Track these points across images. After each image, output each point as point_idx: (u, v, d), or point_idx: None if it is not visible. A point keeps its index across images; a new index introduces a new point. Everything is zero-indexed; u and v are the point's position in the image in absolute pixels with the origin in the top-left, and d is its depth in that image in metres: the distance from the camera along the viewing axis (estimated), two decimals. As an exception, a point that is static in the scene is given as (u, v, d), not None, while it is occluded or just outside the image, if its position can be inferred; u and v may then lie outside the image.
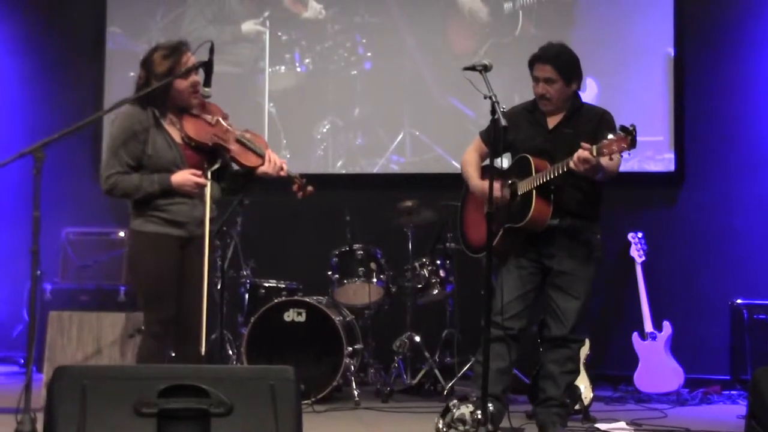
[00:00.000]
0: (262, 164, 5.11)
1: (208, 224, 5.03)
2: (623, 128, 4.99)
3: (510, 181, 5.46)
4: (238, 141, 5.12)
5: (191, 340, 5.07)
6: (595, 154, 5.03)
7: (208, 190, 5.00)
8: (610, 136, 5.01)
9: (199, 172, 5.01)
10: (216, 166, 5.10)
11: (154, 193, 4.98)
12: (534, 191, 5.32)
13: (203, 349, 4.94)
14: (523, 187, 5.38)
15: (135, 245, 5.14)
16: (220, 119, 5.14)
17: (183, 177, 4.98)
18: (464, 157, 5.80)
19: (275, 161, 5.12)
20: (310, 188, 5.21)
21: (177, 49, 5.03)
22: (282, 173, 5.14)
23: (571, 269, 5.44)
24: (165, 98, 5.03)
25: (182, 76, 4.98)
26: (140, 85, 5.06)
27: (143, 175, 4.99)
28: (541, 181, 5.29)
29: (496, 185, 5.21)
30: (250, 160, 5.11)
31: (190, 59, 5.04)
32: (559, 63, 5.43)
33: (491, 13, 8.61)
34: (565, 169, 5.17)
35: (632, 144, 4.95)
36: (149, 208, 5.01)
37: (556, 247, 5.45)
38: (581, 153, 5.07)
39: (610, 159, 5.10)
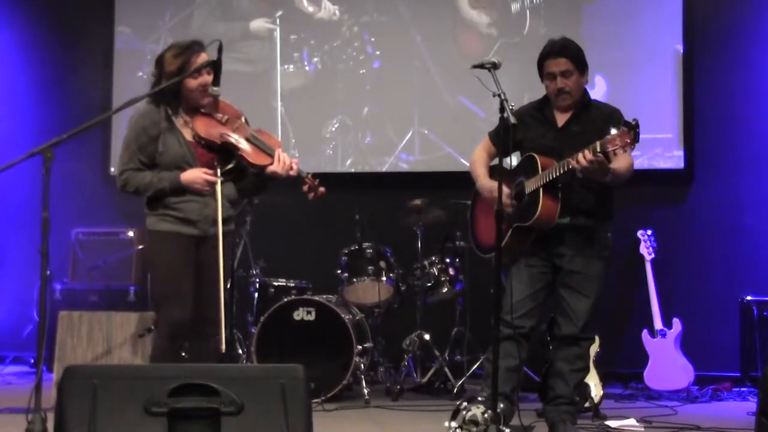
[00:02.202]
0: (272, 164, 5.11)
1: (222, 224, 5.03)
2: (626, 123, 4.96)
3: (517, 181, 5.46)
4: (248, 140, 5.12)
5: (207, 339, 5.09)
6: (599, 150, 5.01)
7: (218, 188, 5.00)
8: (613, 131, 4.97)
9: (211, 171, 5.02)
10: (230, 166, 5.11)
11: (164, 191, 5.01)
12: (541, 190, 5.30)
13: (223, 347, 4.94)
14: (530, 185, 5.37)
15: (149, 244, 5.19)
16: (232, 118, 5.15)
17: (193, 174, 5.00)
18: (473, 157, 5.79)
19: (285, 161, 5.10)
20: (321, 189, 5.19)
21: (188, 49, 5.04)
22: (292, 173, 5.13)
23: (581, 268, 5.43)
24: (176, 97, 5.05)
25: (191, 76, 4.99)
26: (153, 83, 5.09)
27: (155, 172, 5.01)
28: (548, 179, 5.27)
29: (506, 192, 5.20)
30: (259, 158, 5.10)
31: (203, 59, 5.04)
32: (572, 53, 5.42)
33: (499, 13, 8.60)
34: (569, 168, 5.16)
35: (635, 138, 4.93)
36: (161, 207, 5.04)
37: (567, 246, 5.43)
38: (582, 157, 5.06)
39: (614, 154, 5.07)
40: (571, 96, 5.45)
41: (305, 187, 5.18)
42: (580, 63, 5.44)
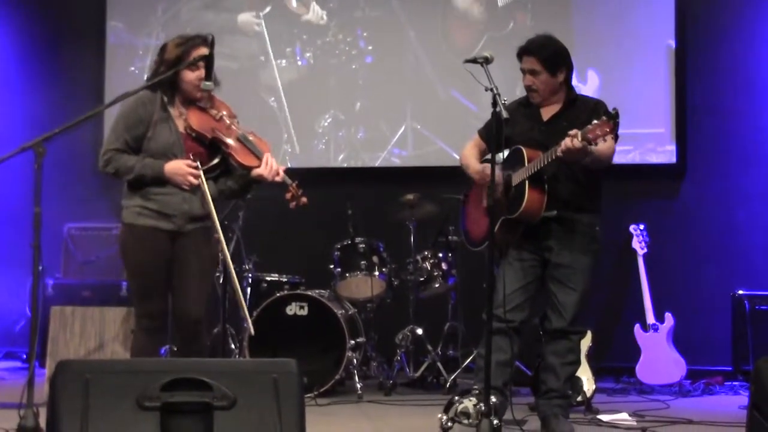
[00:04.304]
0: (259, 166, 5.10)
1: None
2: (606, 112, 5.05)
3: (505, 174, 5.47)
4: (239, 139, 5.12)
5: (193, 334, 5.10)
6: (580, 139, 5.05)
7: (203, 181, 4.99)
8: (595, 121, 5.03)
9: (195, 163, 5.00)
10: (215, 161, 5.10)
11: (145, 177, 4.98)
12: (527, 182, 5.33)
13: (252, 329, 4.93)
14: (516, 178, 5.40)
15: (123, 238, 5.16)
16: (225, 116, 5.15)
17: (176, 165, 4.98)
18: (463, 152, 5.83)
19: (272, 165, 5.10)
20: (304, 200, 5.18)
21: (190, 40, 5.05)
22: (278, 179, 5.12)
23: (568, 261, 5.45)
24: (172, 85, 5.05)
25: (188, 67, 4.99)
26: (153, 69, 5.10)
27: (140, 157, 5.00)
28: (533, 171, 5.30)
29: (498, 172, 5.23)
30: (246, 159, 5.10)
31: (202, 53, 5.03)
32: (543, 54, 5.45)
33: (487, 6, 8.60)
34: (554, 157, 5.19)
35: (615, 127, 5.02)
36: (140, 197, 5.02)
37: (554, 239, 5.46)
38: (567, 142, 5.08)
39: (595, 143, 5.10)
40: (538, 94, 5.51)
41: (288, 195, 5.18)
42: (550, 63, 5.46)
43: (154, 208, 5.01)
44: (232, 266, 5.06)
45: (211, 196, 5.05)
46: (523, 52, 5.51)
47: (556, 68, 5.46)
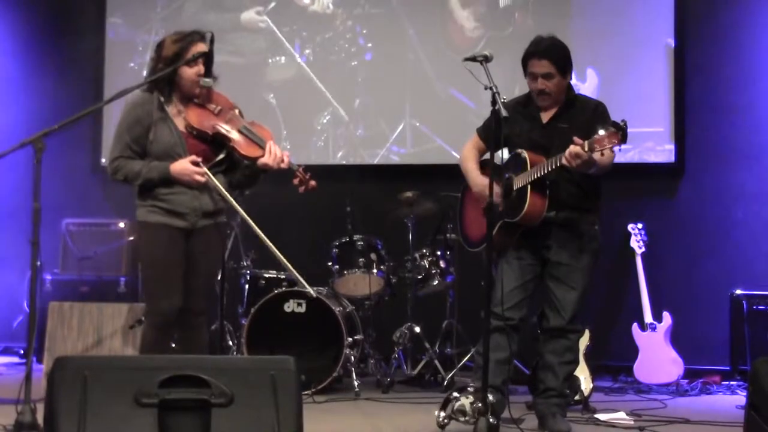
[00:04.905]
0: (263, 155, 5.10)
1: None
2: (614, 124, 4.99)
3: (506, 176, 5.46)
4: (240, 131, 5.11)
5: (196, 329, 5.11)
6: (586, 149, 5.03)
7: (211, 177, 4.99)
8: (601, 132, 4.99)
9: (198, 159, 5.00)
10: (220, 157, 5.11)
11: (153, 180, 4.99)
12: (529, 186, 5.32)
13: (313, 292, 5.12)
14: (518, 182, 5.39)
15: (139, 235, 5.21)
16: (225, 109, 5.14)
17: (182, 166, 4.98)
18: (462, 153, 5.82)
19: (276, 153, 5.10)
20: (312, 183, 5.19)
21: (188, 36, 5.04)
22: (283, 165, 5.12)
23: (567, 260, 5.45)
24: (170, 83, 5.04)
25: (186, 64, 4.98)
26: (151, 67, 5.09)
27: (146, 162, 5.00)
28: (536, 176, 5.29)
29: (496, 190, 5.21)
30: (250, 151, 5.10)
31: (201, 49, 5.02)
32: (555, 56, 5.40)
33: (487, 5, 8.60)
34: (559, 164, 5.17)
35: (623, 139, 4.96)
36: (151, 198, 5.03)
37: (553, 239, 5.46)
38: (573, 149, 5.07)
39: (602, 155, 5.09)
40: (551, 97, 5.47)
41: (296, 180, 5.19)
42: (562, 66, 5.42)
43: (165, 207, 5.02)
44: (272, 245, 5.06)
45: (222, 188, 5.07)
46: (533, 56, 5.44)
47: (566, 70, 5.45)
